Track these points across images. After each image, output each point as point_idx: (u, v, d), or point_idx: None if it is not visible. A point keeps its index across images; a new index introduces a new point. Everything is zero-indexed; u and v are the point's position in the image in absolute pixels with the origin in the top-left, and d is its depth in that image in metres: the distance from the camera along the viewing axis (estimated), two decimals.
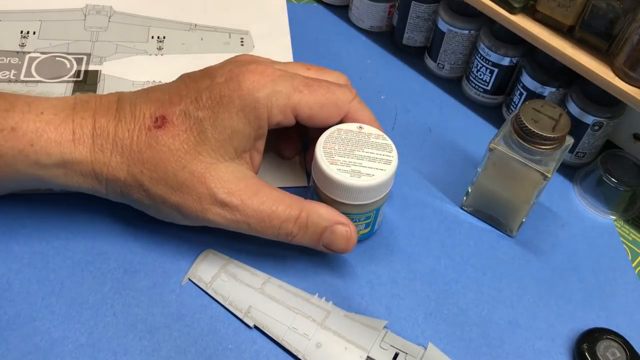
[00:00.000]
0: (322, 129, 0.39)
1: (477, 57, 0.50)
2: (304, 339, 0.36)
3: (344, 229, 0.37)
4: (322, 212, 0.37)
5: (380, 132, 0.39)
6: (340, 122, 0.39)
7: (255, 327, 0.37)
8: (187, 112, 0.35)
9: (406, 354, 0.36)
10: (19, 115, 0.35)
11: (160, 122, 0.35)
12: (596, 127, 0.45)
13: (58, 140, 0.35)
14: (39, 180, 0.36)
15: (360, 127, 0.39)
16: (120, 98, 0.37)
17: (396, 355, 0.36)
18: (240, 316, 0.37)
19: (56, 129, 0.35)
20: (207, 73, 0.37)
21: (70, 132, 0.35)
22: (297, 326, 0.37)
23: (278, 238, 0.37)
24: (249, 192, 0.36)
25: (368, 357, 0.36)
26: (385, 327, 0.37)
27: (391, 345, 0.36)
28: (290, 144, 0.45)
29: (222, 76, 0.36)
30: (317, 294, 0.38)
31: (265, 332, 0.37)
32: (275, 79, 0.37)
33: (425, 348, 0.36)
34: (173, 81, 0.39)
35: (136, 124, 0.36)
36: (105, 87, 0.49)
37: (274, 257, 0.41)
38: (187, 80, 0.38)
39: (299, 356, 0.36)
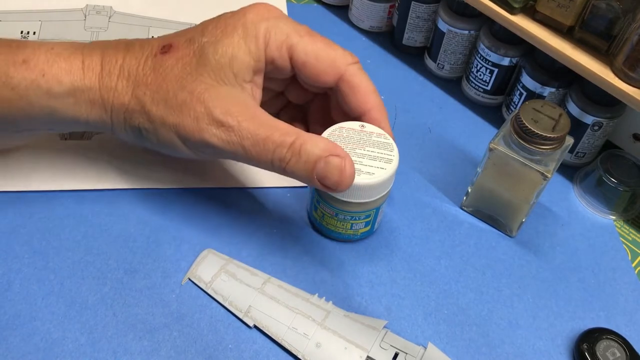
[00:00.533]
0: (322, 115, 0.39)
1: (477, 58, 0.50)
2: (304, 338, 0.36)
3: (339, 160, 0.35)
4: (317, 142, 0.35)
5: (382, 131, 0.39)
6: (337, 88, 0.39)
7: (255, 327, 0.37)
8: (193, 38, 0.37)
9: (406, 353, 0.36)
10: (30, 49, 0.36)
11: (167, 48, 0.37)
12: (596, 127, 0.45)
13: (68, 68, 0.36)
14: (51, 114, 0.37)
15: (362, 126, 0.39)
16: (129, 40, 0.39)
17: (396, 355, 0.36)
18: (240, 316, 0.37)
19: (66, 60, 0.36)
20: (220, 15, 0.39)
21: (80, 62, 0.36)
22: (296, 326, 0.37)
23: (272, 166, 0.36)
24: (246, 115, 0.35)
25: (368, 357, 0.35)
26: (385, 327, 0.37)
27: (391, 345, 0.36)
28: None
29: (231, 12, 0.38)
30: (317, 294, 0.38)
31: (265, 332, 0.37)
32: (279, 16, 0.38)
33: (425, 348, 0.36)
34: None
35: (144, 53, 0.37)
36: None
37: (274, 257, 0.41)
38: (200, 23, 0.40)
39: (299, 356, 0.36)
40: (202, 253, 0.40)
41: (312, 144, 0.35)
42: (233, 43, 0.36)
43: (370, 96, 0.39)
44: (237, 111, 0.35)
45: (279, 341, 0.36)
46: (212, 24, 0.38)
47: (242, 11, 0.38)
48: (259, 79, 0.38)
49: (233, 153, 0.36)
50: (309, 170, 0.35)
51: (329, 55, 0.38)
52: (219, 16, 0.39)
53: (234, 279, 0.38)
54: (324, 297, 0.38)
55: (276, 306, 0.37)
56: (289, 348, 0.36)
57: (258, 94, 0.38)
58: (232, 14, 0.38)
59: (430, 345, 0.37)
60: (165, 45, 0.37)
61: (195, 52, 0.36)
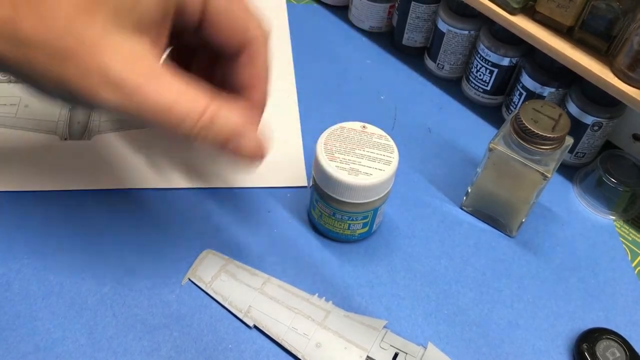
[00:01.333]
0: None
1: (476, 58, 0.50)
2: (304, 338, 0.36)
3: (254, 133, 0.32)
4: (231, 110, 0.31)
5: (383, 133, 0.39)
6: (234, 59, 0.35)
7: (255, 327, 0.37)
8: None
9: (406, 354, 0.36)
10: None
11: None
12: (596, 128, 0.45)
13: None
14: None
15: (364, 127, 0.39)
16: None
17: (396, 355, 0.36)
18: (240, 316, 0.37)
19: None
20: None
21: None
22: (296, 326, 0.37)
23: (181, 134, 0.31)
24: (149, 75, 0.30)
25: (368, 357, 0.36)
26: (385, 326, 0.37)
27: (391, 345, 0.36)
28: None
29: None
30: (317, 294, 0.38)
31: (265, 332, 0.37)
32: None
33: (425, 348, 0.36)
34: None
35: None
36: None
37: (274, 257, 0.41)
38: None
39: (299, 356, 0.36)
40: (201, 254, 0.40)
41: (225, 113, 0.31)
42: None
43: (262, 76, 0.36)
44: (138, 69, 0.30)
45: (279, 341, 0.36)
46: None
47: None
48: (165, 28, 0.32)
49: (134, 116, 0.30)
50: (221, 141, 0.32)
51: (244, 17, 0.34)
52: None
53: (233, 279, 0.38)
54: (324, 297, 0.38)
55: (276, 306, 0.37)
56: (288, 348, 0.36)
57: (162, 45, 0.32)
58: None
59: (430, 345, 0.37)
60: None
61: None
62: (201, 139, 0.31)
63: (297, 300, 0.38)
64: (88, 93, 0.29)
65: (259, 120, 0.36)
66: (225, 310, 0.38)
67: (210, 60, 0.37)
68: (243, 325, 0.37)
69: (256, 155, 0.33)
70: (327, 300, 0.38)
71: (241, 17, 0.34)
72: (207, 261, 0.39)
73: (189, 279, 0.39)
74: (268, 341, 0.37)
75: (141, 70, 0.30)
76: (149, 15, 0.30)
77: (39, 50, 0.28)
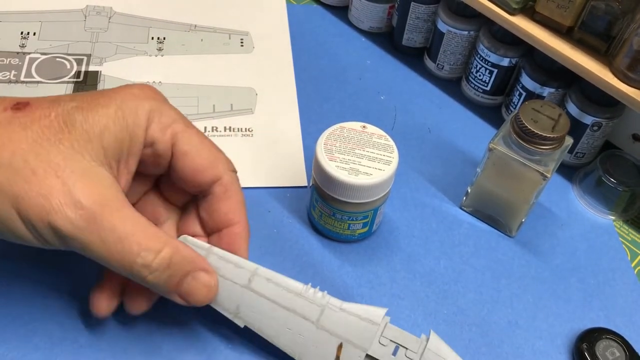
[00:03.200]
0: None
1: (476, 58, 0.50)
2: (299, 338, 0.34)
3: (207, 278, 0.32)
4: (186, 255, 0.32)
5: (383, 133, 0.39)
6: (209, 191, 0.35)
7: (247, 328, 0.35)
8: (58, 100, 0.30)
9: (406, 349, 0.33)
10: None
11: (22, 106, 0.30)
12: (595, 128, 0.45)
13: None
14: None
15: (364, 127, 0.39)
16: None
17: (396, 349, 0.34)
18: (230, 317, 0.35)
19: None
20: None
21: None
22: (290, 326, 0.34)
23: (132, 271, 0.30)
24: (113, 204, 0.29)
25: (367, 355, 0.34)
26: (386, 314, 0.34)
27: (391, 340, 0.34)
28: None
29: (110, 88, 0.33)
30: (309, 284, 0.35)
31: (258, 333, 0.35)
32: (165, 100, 0.34)
33: (428, 337, 0.34)
34: None
35: None
36: (105, 88, 0.49)
37: (274, 257, 0.41)
38: None
39: (295, 357, 0.34)
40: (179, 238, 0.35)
41: (181, 257, 0.31)
42: (109, 113, 0.30)
43: (241, 210, 0.35)
44: (103, 196, 0.29)
45: (273, 342, 0.34)
46: (86, 93, 0.32)
47: (124, 86, 0.33)
48: (132, 164, 0.32)
49: (86, 246, 0.29)
50: (173, 284, 0.31)
51: (212, 153, 0.34)
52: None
53: (217, 275, 0.34)
54: (318, 287, 0.35)
55: (267, 305, 0.34)
56: (283, 349, 0.34)
57: (126, 181, 0.32)
58: (112, 88, 0.32)
59: (432, 335, 0.34)
60: (21, 103, 0.30)
61: (59, 115, 0.29)
62: (156, 276, 0.31)
63: (288, 297, 0.34)
64: (47, 215, 0.28)
65: (246, 254, 0.36)
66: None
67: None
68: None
69: (206, 298, 0.33)
70: (321, 290, 0.35)
71: (209, 152, 0.34)
72: None
73: None
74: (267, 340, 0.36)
75: (106, 197, 0.29)
76: (115, 148, 0.31)
77: (1, 170, 0.28)
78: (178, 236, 0.35)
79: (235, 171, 0.36)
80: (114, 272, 0.31)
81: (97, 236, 0.29)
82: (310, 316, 0.34)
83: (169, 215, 0.37)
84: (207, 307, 0.37)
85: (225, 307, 0.35)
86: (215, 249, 0.35)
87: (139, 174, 0.34)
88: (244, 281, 0.34)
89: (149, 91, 0.33)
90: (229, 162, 0.35)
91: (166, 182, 0.36)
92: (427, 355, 0.33)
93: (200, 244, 0.35)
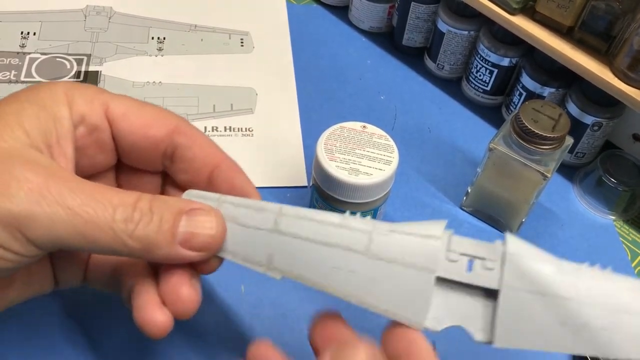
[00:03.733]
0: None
1: (476, 58, 0.50)
2: (352, 277, 0.27)
3: (206, 216, 0.27)
4: (169, 199, 0.27)
5: (383, 133, 0.39)
6: (174, 145, 0.30)
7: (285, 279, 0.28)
8: None
9: (482, 259, 0.26)
10: None
11: None
12: (595, 128, 0.45)
13: None
14: None
15: (364, 127, 0.39)
16: None
17: (470, 263, 0.27)
18: (262, 271, 0.28)
19: None
20: None
21: None
22: (337, 264, 0.27)
23: (114, 234, 0.25)
24: (62, 174, 0.25)
25: (437, 277, 0.26)
26: (446, 227, 0.27)
27: (461, 254, 0.27)
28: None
29: None
30: (347, 211, 0.28)
31: (300, 282, 0.27)
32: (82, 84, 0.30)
33: (503, 242, 0.26)
34: None
35: None
36: (105, 88, 0.49)
37: None
38: None
39: (352, 300, 0.27)
40: (183, 196, 0.29)
41: (162, 200, 0.26)
42: (20, 98, 0.27)
43: (215, 149, 0.31)
44: (47, 170, 0.25)
45: (322, 289, 0.27)
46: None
47: (38, 84, 0.29)
48: (66, 146, 0.28)
49: (52, 225, 0.24)
50: (167, 234, 0.26)
51: (155, 110, 0.30)
52: None
53: (237, 224, 0.28)
54: (358, 213, 0.28)
55: (303, 245, 0.27)
56: (336, 294, 0.27)
57: (66, 165, 0.28)
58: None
59: (509, 237, 0.26)
60: None
61: None
62: (141, 230, 0.25)
63: (327, 231, 0.27)
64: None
65: (254, 190, 0.31)
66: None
67: None
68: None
69: (214, 240, 0.27)
70: (362, 215, 0.28)
71: (150, 108, 0.30)
72: None
73: None
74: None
75: (49, 174, 0.25)
76: (39, 130, 0.27)
77: None
78: None
79: (185, 119, 0.31)
80: (144, 278, 0.28)
81: (58, 205, 0.24)
82: (358, 247, 0.27)
83: None
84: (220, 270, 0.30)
85: (255, 259, 0.28)
86: (228, 197, 0.29)
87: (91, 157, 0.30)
88: (269, 225, 0.28)
89: (66, 82, 0.29)
90: (173, 114, 0.31)
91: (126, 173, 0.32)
92: (510, 260, 0.26)
93: (208, 195, 0.29)
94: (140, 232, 0.25)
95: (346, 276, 0.27)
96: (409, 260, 0.26)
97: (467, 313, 0.27)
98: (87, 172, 0.30)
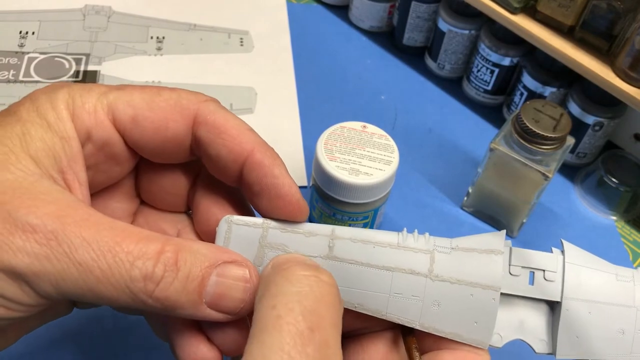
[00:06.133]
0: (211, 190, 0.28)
1: (477, 57, 0.49)
2: (415, 302, 0.26)
3: (240, 270, 0.24)
4: (198, 248, 0.23)
5: (384, 132, 0.39)
6: (197, 139, 0.26)
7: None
8: None
9: (544, 270, 0.26)
10: None
11: None
12: (597, 127, 0.45)
13: None
14: None
15: (364, 126, 0.39)
16: None
17: (531, 275, 0.26)
18: None
19: None
20: None
21: None
22: (399, 289, 0.26)
23: (132, 293, 0.22)
24: (74, 216, 0.22)
25: (502, 294, 0.26)
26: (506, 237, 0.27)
27: (522, 267, 0.26)
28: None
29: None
30: (405, 229, 0.27)
31: (360, 311, 0.26)
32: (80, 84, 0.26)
33: (562, 250, 0.26)
34: None
35: None
36: None
37: None
38: None
39: (416, 326, 0.26)
40: (220, 225, 0.26)
41: (191, 253, 0.23)
42: (20, 116, 0.23)
43: (246, 133, 0.26)
44: (57, 208, 0.22)
45: (383, 317, 0.26)
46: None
47: (33, 92, 0.25)
48: (79, 170, 0.25)
49: (60, 280, 0.21)
50: (193, 293, 0.22)
51: (168, 98, 0.26)
52: None
53: (285, 252, 0.26)
54: (416, 230, 0.27)
55: (362, 271, 0.26)
56: (397, 321, 0.26)
57: (81, 195, 0.25)
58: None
59: (566, 245, 0.26)
60: None
61: None
62: (164, 289, 0.22)
63: (385, 253, 0.26)
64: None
65: (290, 180, 0.28)
66: None
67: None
68: None
69: (244, 300, 0.24)
70: (419, 233, 0.27)
71: (162, 97, 0.26)
72: (235, 238, 0.26)
73: None
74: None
75: (61, 209, 0.22)
76: (45, 154, 0.24)
77: None
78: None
79: (208, 99, 0.27)
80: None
81: (68, 260, 0.21)
82: (420, 269, 0.26)
83: (176, 223, 0.30)
84: None
85: None
86: (272, 222, 0.26)
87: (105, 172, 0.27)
88: (324, 251, 0.26)
89: (61, 84, 0.26)
90: (195, 94, 0.27)
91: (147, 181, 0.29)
92: (569, 270, 0.26)
93: (251, 221, 0.26)
94: (161, 293, 0.22)
95: (409, 302, 0.26)
96: (474, 279, 0.26)
97: (528, 326, 0.27)
98: (105, 184, 0.28)
